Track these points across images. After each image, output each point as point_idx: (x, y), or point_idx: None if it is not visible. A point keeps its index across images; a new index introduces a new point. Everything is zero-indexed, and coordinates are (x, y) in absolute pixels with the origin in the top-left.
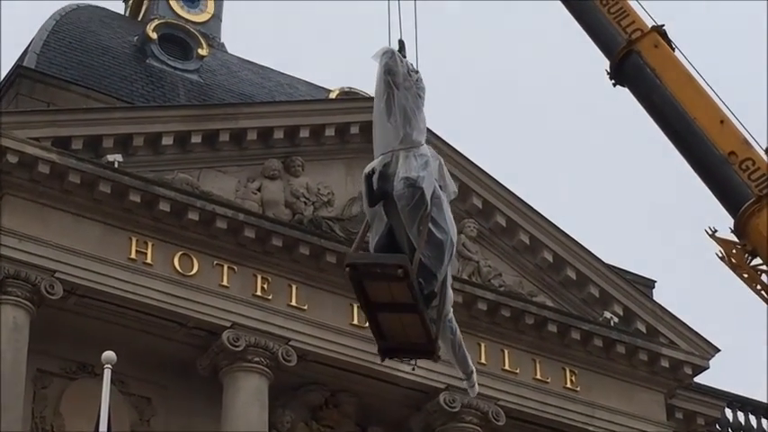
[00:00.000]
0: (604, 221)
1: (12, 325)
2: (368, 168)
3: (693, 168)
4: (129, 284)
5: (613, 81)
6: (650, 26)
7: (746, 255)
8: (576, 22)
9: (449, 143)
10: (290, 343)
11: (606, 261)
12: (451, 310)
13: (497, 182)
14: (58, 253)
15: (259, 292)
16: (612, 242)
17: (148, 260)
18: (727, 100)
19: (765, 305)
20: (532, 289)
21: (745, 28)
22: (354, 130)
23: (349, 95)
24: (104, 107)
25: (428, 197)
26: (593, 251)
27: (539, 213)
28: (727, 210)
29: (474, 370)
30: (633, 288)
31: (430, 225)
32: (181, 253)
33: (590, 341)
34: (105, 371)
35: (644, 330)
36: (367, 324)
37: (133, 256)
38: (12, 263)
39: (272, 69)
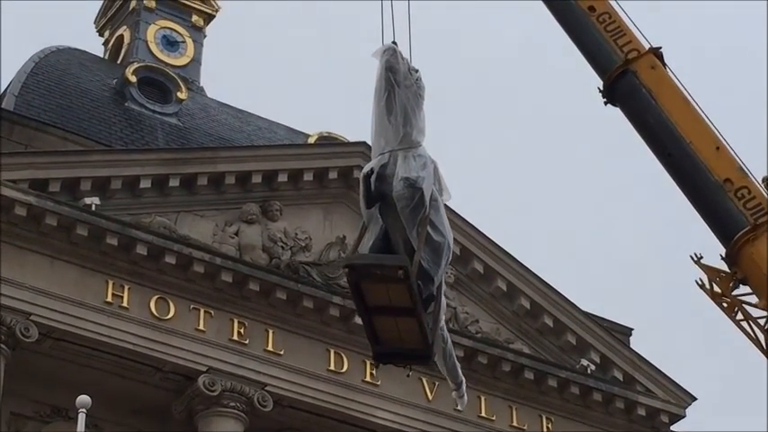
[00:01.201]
0: (582, 269)
1: None
2: (366, 168)
3: (685, 193)
4: (105, 328)
5: (605, 100)
6: (647, 48)
7: (732, 283)
8: (568, 39)
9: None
10: (267, 388)
11: (583, 309)
12: (444, 318)
13: (475, 228)
14: (34, 296)
15: (236, 337)
16: (590, 290)
17: (125, 303)
18: (726, 123)
19: (744, 335)
20: (509, 336)
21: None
22: (333, 174)
23: (327, 140)
24: (82, 150)
25: (427, 198)
26: (570, 299)
27: (516, 260)
28: (718, 236)
29: (463, 380)
30: (610, 336)
31: (428, 228)
32: (157, 297)
33: (567, 389)
34: (80, 415)
35: (621, 378)
36: (345, 369)
37: (109, 299)
38: None
39: (250, 113)
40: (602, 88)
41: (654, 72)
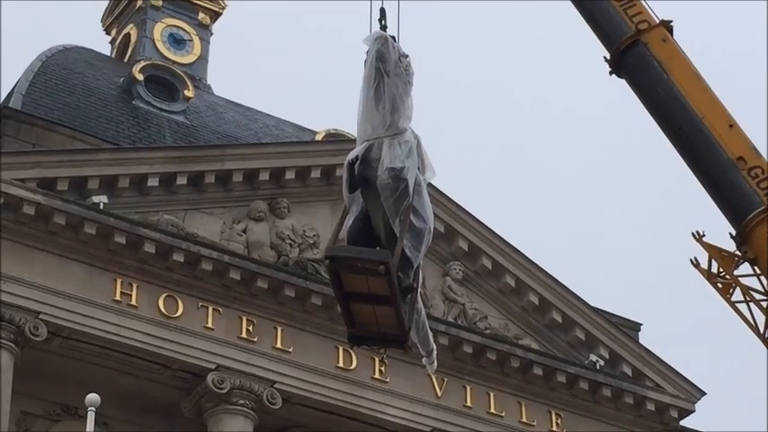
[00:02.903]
0: (591, 264)
1: None
2: (351, 156)
3: (694, 168)
4: (114, 326)
5: (611, 70)
6: (658, 20)
7: (736, 261)
8: (574, 9)
9: (434, 185)
10: (275, 385)
11: (592, 304)
12: (419, 291)
13: (483, 224)
14: (43, 294)
15: (244, 335)
16: (598, 285)
17: (133, 302)
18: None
19: (738, 316)
20: (518, 332)
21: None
22: (340, 171)
23: (335, 137)
24: (90, 148)
25: (411, 188)
26: (579, 294)
27: (525, 256)
28: (728, 215)
29: (434, 348)
30: (619, 331)
31: (411, 215)
32: (166, 295)
33: (576, 384)
34: (89, 413)
35: (630, 373)
36: (353, 366)
37: (118, 297)
38: None
39: (258, 111)
40: (608, 58)
41: (665, 45)
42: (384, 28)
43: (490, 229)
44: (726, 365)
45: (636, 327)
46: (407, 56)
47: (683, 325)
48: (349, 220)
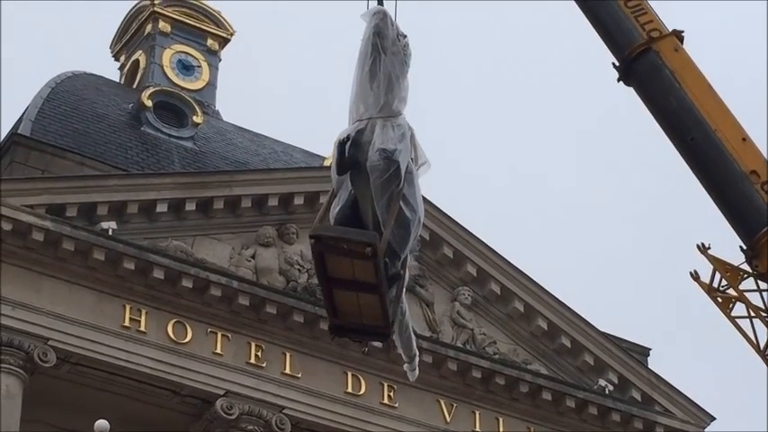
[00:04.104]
0: (599, 289)
1: (4, 393)
2: (342, 134)
3: (704, 180)
4: (123, 352)
5: (619, 77)
6: (670, 29)
7: (742, 276)
8: (584, 18)
9: (443, 210)
10: (284, 411)
11: (601, 329)
12: (404, 291)
13: (492, 249)
14: (52, 321)
15: (253, 360)
16: (607, 310)
17: (142, 328)
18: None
19: (737, 331)
20: (527, 357)
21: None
22: None
23: None
24: (99, 174)
25: (402, 172)
26: (587, 319)
27: (533, 281)
28: (738, 228)
29: (417, 354)
30: (628, 356)
31: (401, 203)
32: (175, 320)
33: (585, 409)
34: None
35: (639, 398)
36: (362, 391)
37: (127, 323)
38: (5, 331)
39: (266, 137)
40: (617, 64)
41: (678, 55)
42: (381, 3)
43: (499, 254)
44: (735, 389)
45: (645, 351)
46: (406, 36)
47: (692, 349)
48: (336, 207)
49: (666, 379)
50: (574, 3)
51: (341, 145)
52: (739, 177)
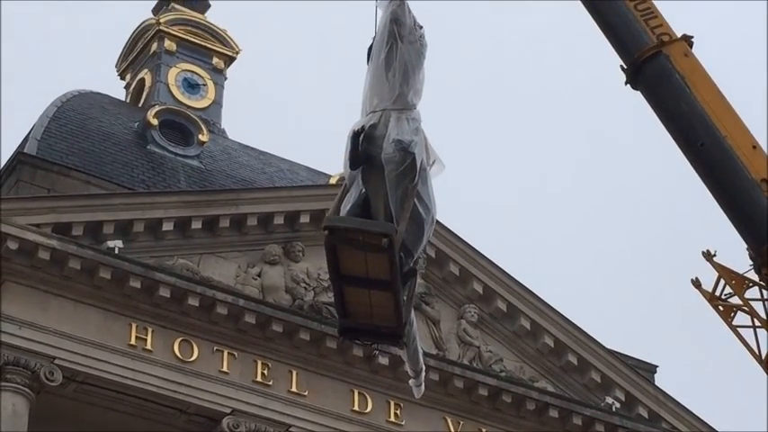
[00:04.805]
0: (606, 305)
1: (11, 412)
2: (356, 125)
3: (714, 187)
4: (129, 371)
5: (627, 81)
6: (679, 34)
7: (747, 284)
8: (592, 20)
9: (449, 228)
10: (291, 429)
11: (607, 346)
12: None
13: (498, 267)
14: (58, 339)
15: (259, 378)
16: (614, 327)
17: (148, 346)
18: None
19: (738, 340)
20: (534, 374)
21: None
22: None
23: None
24: (105, 193)
25: (418, 166)
26: (594, 336)
27: (539, 298)
28: (748, 236)
29: (423, 368)
30: (635, 373)
31: (414, 200)
32: (181, 339)
33: (592, 427)
34: None
35: (646, 416)
36: (369, 409)
37: (133, 342)
38: (11, 349)
39: (272, 155)
40: (626, 67)
41: (688, 60)
42: None
43: (505, 272)
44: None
45: (652, 369)
46: (422, 27)
47: (699, 365)
48: (347, 205)
49: (673, 396)
50: (573, 3)
51: (354, 137)
52: (750, 185)
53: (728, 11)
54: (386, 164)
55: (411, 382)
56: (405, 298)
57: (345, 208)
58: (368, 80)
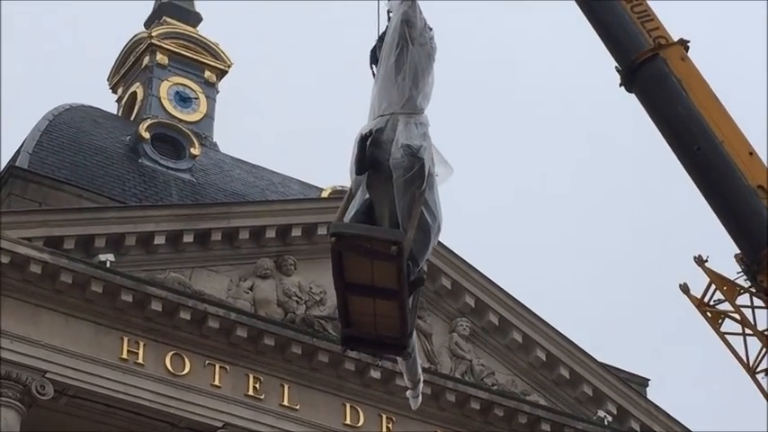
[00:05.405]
0: (598, 319)
1: (3, 426)
2: (364, 129)
3: (708, 192)
4: (121, 385)
5: (622, 83)
6: (676, 38)
7: (739, 291)
8: (587, 21)
9: (441, 242)
10: None
11: (599, 360)
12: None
13: (490, 280)
14: (50, 353)
15: (251, 392)
16: (606, 341)
17: (140, 360)
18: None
19: (726, 348)
20: (526, 388)
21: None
22: None
23: (341, 194)
24: (97, 207)
25: (426, 171)
26: (586, 350)
27: (531, 312)
28: (743, 243)
29: (421, 379)
30: (627, 387)
31: (422, 207)
32: (172, 353)
33: None
34: None
35: (638, 429)
36: (360, 423)
37: (125, 356)
38: (3, 364)
39: (264, 168)
40: (621, 69)
41: (684, 64)
42: None
43: (497, 285)
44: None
45: (644, 382)
46: (432, 29)
47: (693, 379)
48: (351, 211)
49: (665, 410)
50: (573, 4)
51: (362, 141)
52: (747, 191)
53: (728, 11)
54: (394, 169)
55: (408, 393)
56: (410, 308)
57: (350, 214)
58: (377, 84)
